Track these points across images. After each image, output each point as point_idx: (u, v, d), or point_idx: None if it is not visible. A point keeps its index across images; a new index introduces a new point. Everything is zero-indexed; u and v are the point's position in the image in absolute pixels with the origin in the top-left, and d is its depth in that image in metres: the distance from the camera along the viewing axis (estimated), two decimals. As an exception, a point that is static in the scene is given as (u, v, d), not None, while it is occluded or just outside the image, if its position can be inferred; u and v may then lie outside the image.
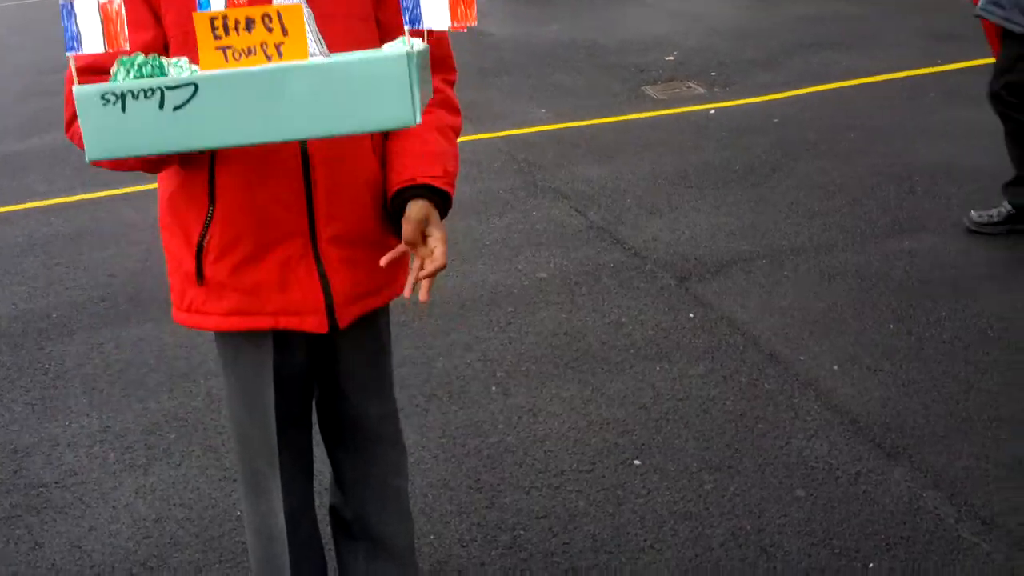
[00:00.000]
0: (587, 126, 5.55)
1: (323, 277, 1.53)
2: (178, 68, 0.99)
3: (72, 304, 3.67)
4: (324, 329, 1.55)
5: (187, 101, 0.90)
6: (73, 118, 1.31)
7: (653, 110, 5.82)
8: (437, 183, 1.49)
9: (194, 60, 1.29)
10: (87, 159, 0.95)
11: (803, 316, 3.15)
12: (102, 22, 0.87)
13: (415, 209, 1.48)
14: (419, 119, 0.94)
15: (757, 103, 5.71)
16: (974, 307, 3.13)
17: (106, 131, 0.91)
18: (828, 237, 3.72)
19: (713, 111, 5.65)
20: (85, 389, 3.09)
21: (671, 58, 6.99)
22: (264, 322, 1.53)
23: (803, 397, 2.72)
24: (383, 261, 1.52)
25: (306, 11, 1.15)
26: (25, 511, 2.56)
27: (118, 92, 0.90)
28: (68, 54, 0.89)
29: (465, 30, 1.11)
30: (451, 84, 1.64)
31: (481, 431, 2.70)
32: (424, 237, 1.48)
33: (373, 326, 1.68)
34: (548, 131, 5.52)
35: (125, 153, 0.93)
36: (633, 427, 2.67)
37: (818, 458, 2.47)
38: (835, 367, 2.85)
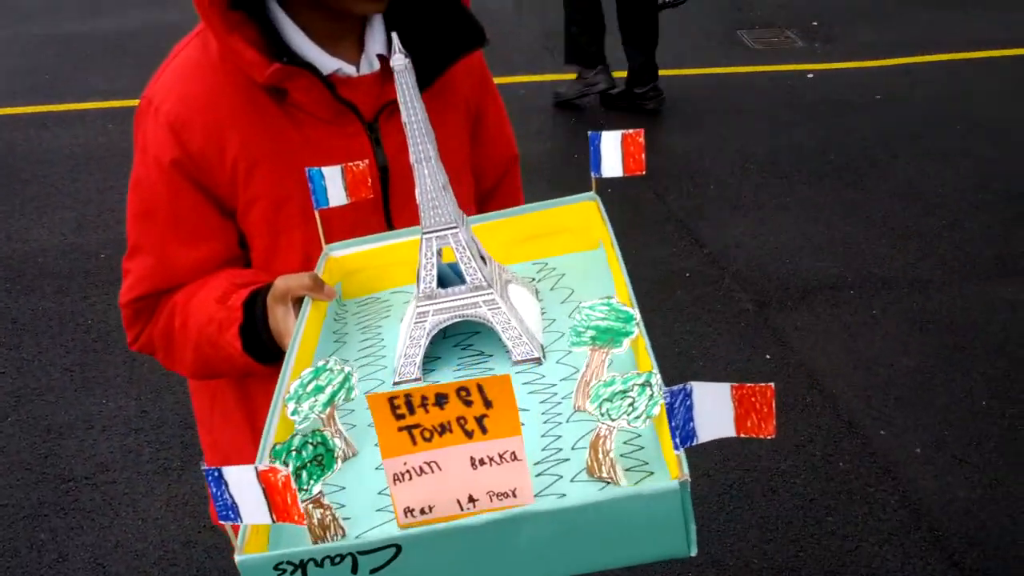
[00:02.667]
0: (677, 76, 5.20)
1: None
2: (339, 454, 0.81)
3: (122, 242, 3.51)
4: None
5: (385, 566, 0.69)
6: (138, 335, 1.17)
7: (748, 64, 5.47)
8: None
9: (283, 258, 1.10)
10: None
11: (889, 376, 2.93)
12: (265, 489, 0.66)
13: None
14: (694, 551, 0.73)
15: (859, 69, 5.34)
16: (1078, 387, 2.88)
17: None
18: (924, 270, 3.45)
19: (811, 74, 5.30)
20: (126, 358, 2.96)
21: (772, -4, 6.54)
22: None
23: (880, 486, 2.53)
24: None
25: (456, 212, 0.96)
26: (52, 510, 2.46)
27: (296, 561, 0.68)
28: (221, 521, 0.70)
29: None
30: None
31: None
32: None
33: None
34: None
35: None
36: (697, 500, 2.48)
37: (889, 572, 2.29)
38: (918, 450, 2.65)
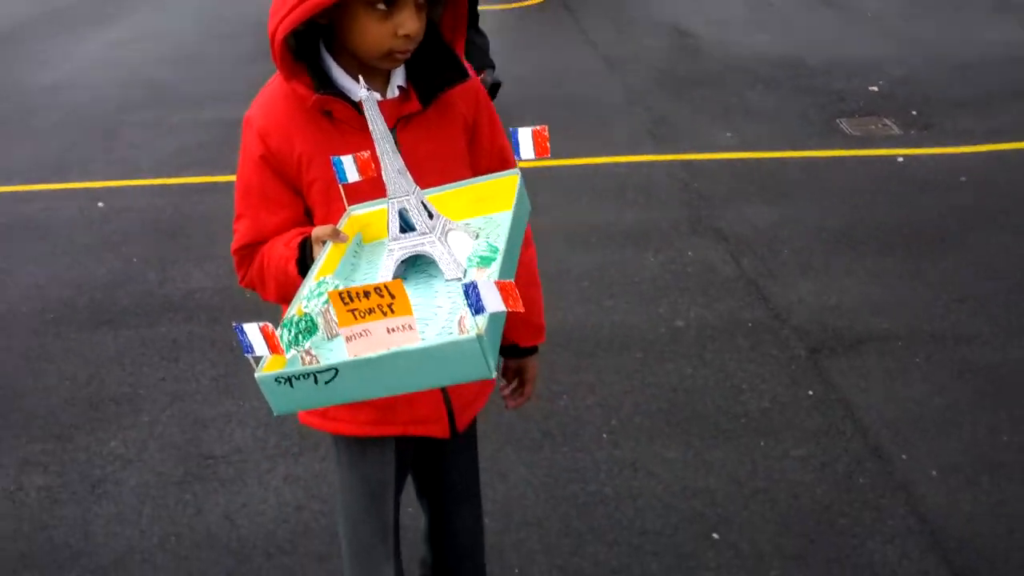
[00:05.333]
0: (769, 159, 5.64)
1: (444, 391, 1.85)
2: (321, 328, 1.37)
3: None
4: (447, 434, 1.88)
5: (333, 379, 1.23)
6: (243, 274, 1.74)
7: (842, 148, 5.83)
8: (540, 340, 2.03)
9: (334, 220, 1.63)
10: (274, 414, 1.29)
11: (920, 411, 3.25)
12: (265, 338, 1.22)
13: (531, 370, 2.06)
14: (494, 375, 1.22)
15: (950, 154, 5.63)
16: (1099, 430, 3.14)
17: (282, 397, 1.25)
18: (973, 326, 3.75)
19: (902, 159, 5.61)
20: (260, 371, 3.56)
21: (875, 88, 6.90)
22: (394, 430, 1.85)
23: (892, 498, 2.86)
24: (507, 397, 2.08)
25: (411, 185, 1.47)
26: (194, 479, 3.05)
27: (285, 377, 1.23)
28: (245, 354, 1.25)
29: (548, 154, 1.49)
30: None
31: (584, 477, 2.99)
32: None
33: (472, 426, 2.06)
34: (728, 160, 5.65)
35: (297, 408, 1.27)
36: (722, 499, 2.89)
37: (886, 564, 2.63)
38: (934, 472, 2.97)
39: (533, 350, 2.03)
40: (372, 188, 1.58)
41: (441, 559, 2.23)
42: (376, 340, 1.23)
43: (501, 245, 1.42)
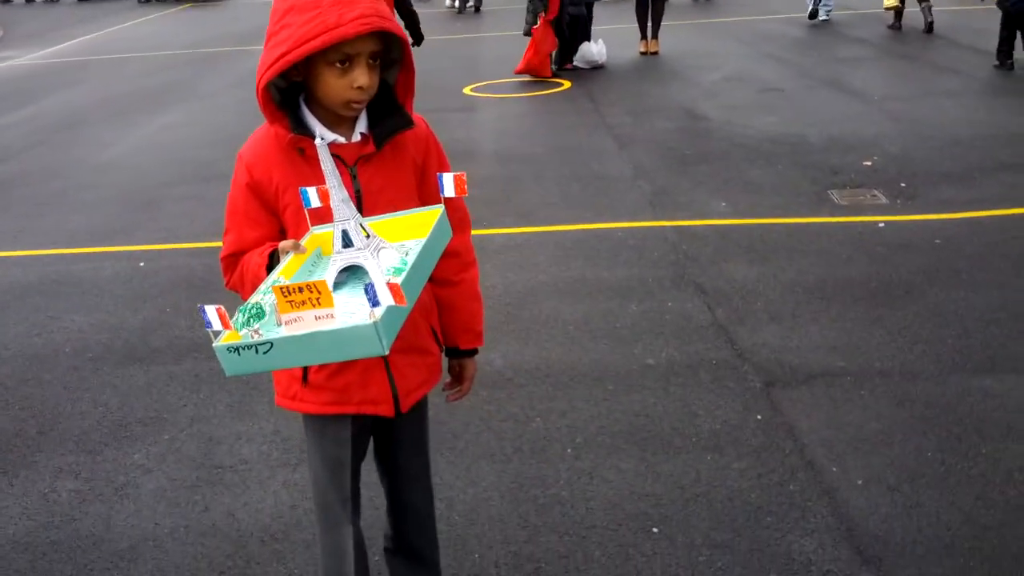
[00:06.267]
0: (757, 225, 6.05)
1: (391, 377, 2.17)
2: (268, 313, 1.77)
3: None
4: (392, 413, 2.20)
5: (269, 350, 1.63)
6: (228, 279, 2.14)
7: (828, 216, 6.22)
8: (477, 344, 2.38)
9: (302, 236, 2.02)
10: (226, 375, 1.68)
11: (856, 433, 3.59)
12: (219, 317, 1.63)
13: (469, 369, 2.41)
14: (387, 351, 1.62)
15: (929, 220, 6.00)
16: (1020, 451, 3.45)
17: (233, 362, 1.65)
18: (919, 366, 4.09)
19: (883, 224, 5.99)
20: (270, 399, 4.00)
21: (868, 163, 7.32)
22: (349, 409, 2.17)
23: (818, 502, 3.20)
24: (448, 391, 2.45)
25: (352, 211, 1.89)
26: (204, 483, 3.48)
27: (234, 347, 1.63)
28: (207, 328, 1.67)
29: (466, 194, 1.94)
30: (469, 238, 2.32)
31: (545, 483, 3.37)
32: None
33: (419, 406, 2.34)
34: (719, 226, 6.07)
35: (245, 371, 1.66)
36: (667, 502, 3.25)
37: (802, 552, 2.96)
38: (859, 481, 3.30)
39: (471, 352, 2.38)
40: (331, 213, 1.98)
41: (398, 531, 2.60)
42: (306, 324, 1.63)
43: (410, 261, 1.79)
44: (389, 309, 1.60)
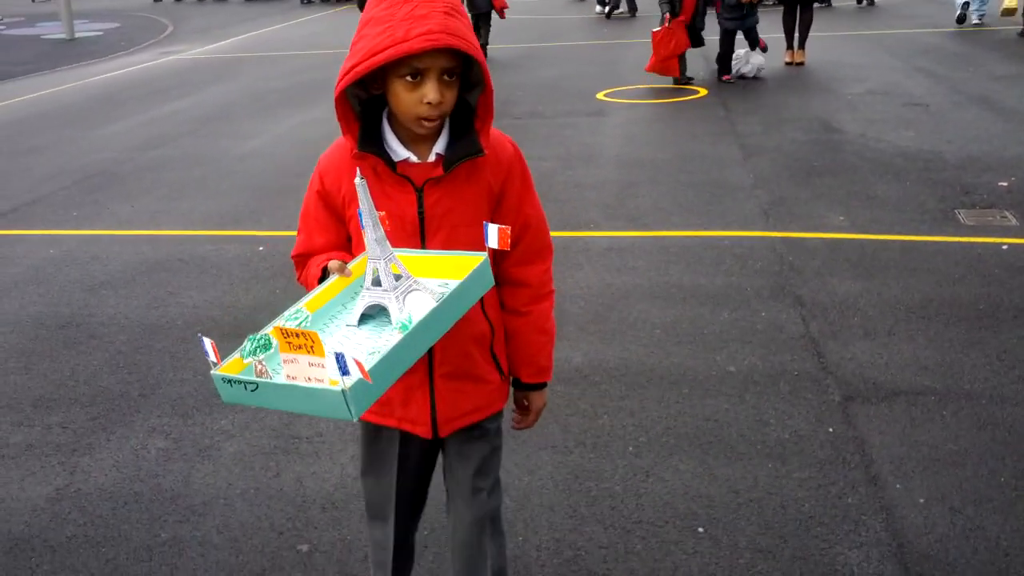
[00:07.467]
0: (873, 240, 5.90)
1: (432, 401, 2.13)
2: (274, 347, 1.74)
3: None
4: (429, 436, 2.16)
5: (255, 390, 1.67)
6: (298, 275, 2.14)
7: (951, 235, 6.00)
8: (542, 379, 2.30)
9: (363, 247, 1.94)
10: (223, 402, 1.74)
11: (930, 453, 3.50)
12: (212, 349, 1.68)
13: (534, 402, 2.32)
14: (356, 419, 1.61)
15: (1057, 246, 5.72)
16: (1103, 483, 3.29)
17: (227, 392, 1.70)
18: (1011, 390, 3.93)
19: (1006, 247, 5.74)
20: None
21: (1005, 184, 7.01)
22: (391, 423, 2.17)
23: (873, 517, 3.14)
24: (514, 420, 2.37)
25: (385, 252, 1.85)
26: (280, 452, 3.68)
27: (227, 379, 1.68)
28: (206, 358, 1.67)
29: (508, 248, 1.90)
30: (546, 270, 2.22)
31: (600, 477, 3.42)
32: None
33: (474, 433, 2.25)
34: (832, 239, 5.94)
35: (239, 402, 1.70)
36: (718, 504, 3.25)
37: (846, 563, 2.91)
38: (921, 500, 3.22)
39: (534, 386, 2.29)
40: (403, 238, 1.97)
41: (452, 544, 2.45)
42: (301, 368, 1.62)
43: (415, 321, 1.75)
44: (362, 380, 1.57)
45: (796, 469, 3.43)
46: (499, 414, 2.29)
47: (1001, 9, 13.58)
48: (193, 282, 5.57)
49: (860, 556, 2.95)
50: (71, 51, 18.55)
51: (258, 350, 1.73)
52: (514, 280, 2.18)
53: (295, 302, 1.88)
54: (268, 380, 1.64)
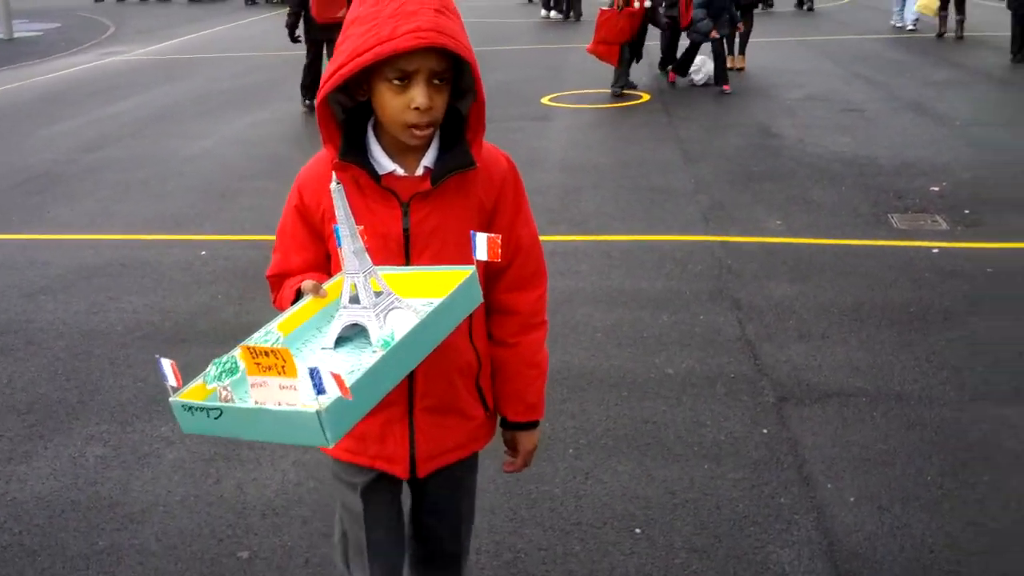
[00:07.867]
0: (808, 244, 6.03)
1: (412, 438, 1.95)
2: (241, 371, 1.58)
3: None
4: (406, 476, 1.99)
5: (219, 417, 1.52)
6: (273, 298, 1.98)
7: (883, 239, 6.15)
8: (531, 417, 2.11)
9: (335, 271, 1.85)
10: (184, 432, 1.55)
11: (860, 453, 3.59)
12: (172, 371, 1.53)
13: (523, 443, 2.13)
14: (332, 444, 1.45)
15: (984, 249, 5.88)
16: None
17: (187, 420, 1.55)
18: (940, 392, 4.05)
19: (936, 251, 5.90)
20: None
21: (936, 188, 7.20)
22: (363, 461, 1.99)
23: (805, 516, 3.22)
24: (504, 463, 2.17)
25: (364, 265, 1.69)
26: (221, 458, 3.67)
27: (188, 407, 1.53)
28: (164, 382, 1.52)
29: (499, 259, 1.71)
30: (539, 297, 2.04)
31: (541, 479, 3.46)
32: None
33: (452, 472, 2.08)
34: (769, 243, 6.06)
35: (201, 432, 1.54)
36: (656, 505, 3.31)
37: (778, 562, 2.99)
38: (851, 499, 3.31)
39: (523, 425, 2.09)
40: (385, 254, 1.82)
41: None
42: (271, 391, 1.46)
43: (397, 337, 1.61)
44: (340, 399, 1.42)
45: (731, 470, 3.51)
46: (476, 454, 2.13)
47: (918, 4, 14.25)
48: (133, 287, 5.53)
49: (792, 555, 3.03)
50: (10, 51, 18.23)
51: (223, 375, 1.58)
52: (503, 308, 2.01)
53: (266, 323, 1.72)
54: (232, 405, 1.50)
